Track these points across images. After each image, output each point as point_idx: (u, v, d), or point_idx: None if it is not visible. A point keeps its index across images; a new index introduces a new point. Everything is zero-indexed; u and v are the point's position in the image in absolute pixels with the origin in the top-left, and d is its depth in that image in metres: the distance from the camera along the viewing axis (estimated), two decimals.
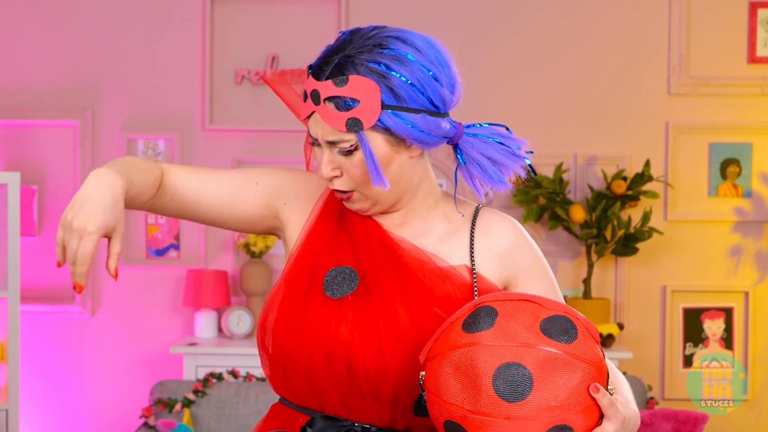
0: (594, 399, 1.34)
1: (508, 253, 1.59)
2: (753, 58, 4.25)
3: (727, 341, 4.26)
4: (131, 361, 4.32)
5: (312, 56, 1.57)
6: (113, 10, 4.31)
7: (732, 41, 4.26)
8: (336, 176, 1.53)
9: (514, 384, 1.30)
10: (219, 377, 3.78)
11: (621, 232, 4.08)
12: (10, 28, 4.31)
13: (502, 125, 1.58)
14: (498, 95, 4.27)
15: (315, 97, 1.50)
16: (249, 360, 3.94)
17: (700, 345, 4.26)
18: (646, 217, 4.09)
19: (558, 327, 1.35)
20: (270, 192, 1.65)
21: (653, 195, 4.14)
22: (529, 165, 1.57)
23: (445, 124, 1.52)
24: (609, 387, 1.38)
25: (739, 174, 4.26)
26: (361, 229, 1.59)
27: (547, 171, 4.19)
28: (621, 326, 4.09)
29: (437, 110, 1.51)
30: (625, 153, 4.27)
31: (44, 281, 4.30)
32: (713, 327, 4.26)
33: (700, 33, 4.26)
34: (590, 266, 4.14)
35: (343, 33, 1.55)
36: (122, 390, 4.30)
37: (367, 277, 1.55)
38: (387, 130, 1.49)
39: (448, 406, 1.34)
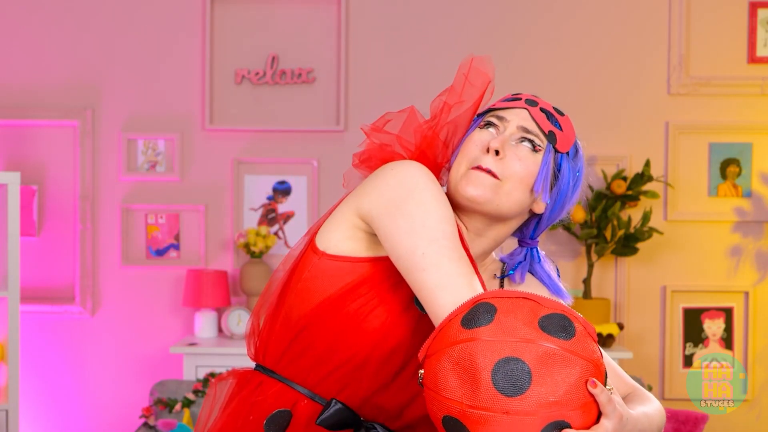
0: (592, 396, 1.34)
1: None
2: (753, 58, 4.26)
3: (727, 341, 4.26)
4: (131, 361, 4.32)
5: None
6: (113, 10, 4.31)
7: (732, 41, 4.26)
8: (497, 153, 1.57)
9: (513, 378, 1.31)
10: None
11: (621, 232, 4.08)
12: (11, 28, 4.31)
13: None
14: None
15: (531, 102, 1.62)
16: (249, 360, 3.93)
17: (700, 345, 4.26)
18: (646, 217, 4.09)
19: (556, 324, 1.35)
20: None
21: (653, 195, 4.14)
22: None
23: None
24: (607, 387, 1.38)
25: (739, 174, 4.26)
26: None
27: None
28: (621, 326, 4.09)
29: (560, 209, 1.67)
30: (625, 153, 4.27)
31: (44, 281, 4.30)
32: (713, 327, 4.26)
33: (700, 33, 4.26)
34: (590, 266, 4.14)
35: None
36: (122, 390, 4.30)
37: None
38: (556, 170, 1.60)
39: (447, 401, 1.35)
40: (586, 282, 4.14)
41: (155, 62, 4.32)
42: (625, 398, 1.64)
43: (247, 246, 4.17)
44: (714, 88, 4.25)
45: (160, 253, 4.33)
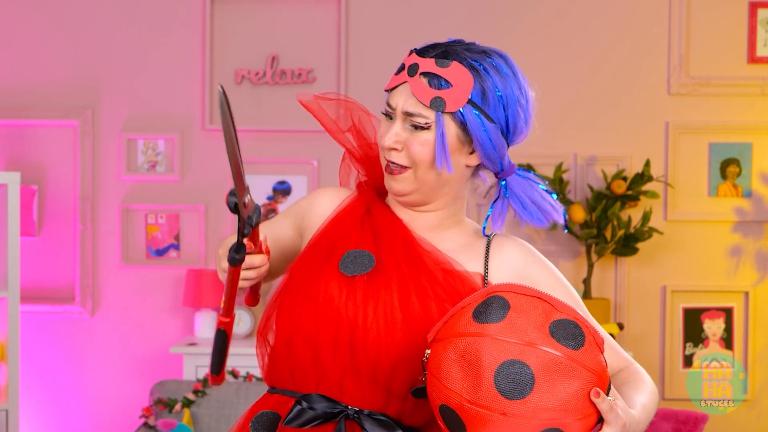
0: (592, 405, 1.35)
1: (522, 268, 1.65)
2: (753, 58, 4.25)
3: (727, 341, 4.26)
4: (131, 361, 4.32)
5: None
6: (113, 10, 4.31)
7: (732, 41, 4.26)
8: (395, 149, 1.59)
9: (515, 382, 1.31)
10: None
11: (621, 232, 4.08)
12: (10, 27, 4.31)
13: (545, 179, 1.69)
14: None
15: (412, 69, 1.60)
16: (249, 360, 3.94)
17: (700, 345, 4.26)
18: (646, 217, 4.09)
19: (566, 331, 1.35)
20: (293, 216, 1.74)
21: (653, 195, 4.14)
22: (565, 221, 1.66)
23: (506, 151, 1.62)
24: (609, 397, 1.38)
25: (739, 174, 4.26)
26: (385, 224, 1.65)
27: (547, 171, 4.19)
28: (621, 326, 4.09)
29: (507, 134, 1.60)
30: (625, 153, 4.27)
31: (44, 281, 4.30)
32: (713, 327, 4.26)
33: (700, 33, 4.26)
34: (590, 266, 4.14)
35: (451, 39, 1.66)
36: (122, 390, 4.30)
37: (383, 263, 1.59)
38: (462, 125, 1.57)
39: (447, 391, 1.35)
40: (586, 282, 4.14)
41: (155, 62, 4.32)
42: (617, 374, 1.64)
43: None
44: (714, 88, 4.25)
45: (160, 253, 4.33)
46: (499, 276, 1.62)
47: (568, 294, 1.64)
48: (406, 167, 1.59)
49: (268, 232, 1.68)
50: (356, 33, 4.28)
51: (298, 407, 1.56)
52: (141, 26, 4.32)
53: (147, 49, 4.32)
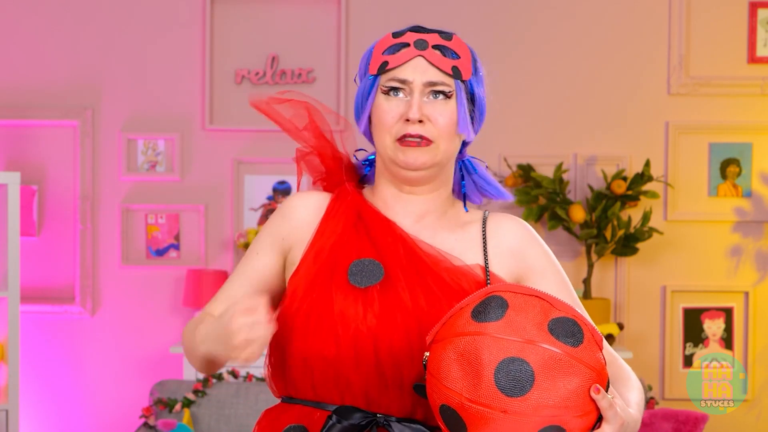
0: (592, 403, 1.35)
1: (519, 250, 1.67)
2: (753, 58, 4.26)
3: (727, 341, 4.26)
4: (131, 361, 4.32)
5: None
6: (113, 9, 4.31)
7: (732, 41, 4.26)
8: (421, 121, 1.58)
9: (515, 379, 1.32)
10: (219, 377, 3.78)
11: (621, 232, 4.08)
12: (10, 27, 4.31)
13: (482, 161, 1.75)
14: (498, 95, 4.25)
15: (421, 44, 1.60)
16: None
17: (700, 345, 4.26)
18: (646, 217, 4.09)
19: (565, 329, 1.36)
20: (270, 246, 1.67)
21: (653, 195, 4.14)
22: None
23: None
24: (609, 395, 1.38)
25: (739, 174, 4.26)
26: (380, 228, 1.63)
27: (547, 171, 4.19)
28: (621, 326, 4.10)
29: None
30: (625, 153, 4.27)
31: (44, 281, 4.30)
32: (713, 327, 4.26)
33: (700, 33, 4.26)
34: (590, 266, 4.14)
35: None
36: (122, 390, 4.30)
37: (389, 270, 1.57)
38: (471, 96, 1.62)
39: (447, 391, 1.35)
40: (586, 282, 4.14)
41: (155, 62, 4.32)
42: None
43: (247, 246, 4.18)
44: (714, 88, 4.25)
45: (160, 253, 4.33)
46: (498, 261, 1.63)
47: (561, 282, 1.67)
48: (430, 140, 1.59)
49: (246, 280, 1.65)
50: (356, 33, 4.28)
51: (331, 422, 1.54)
52: (141, 26, 4.32)
53: (147, 49, 4.32)
